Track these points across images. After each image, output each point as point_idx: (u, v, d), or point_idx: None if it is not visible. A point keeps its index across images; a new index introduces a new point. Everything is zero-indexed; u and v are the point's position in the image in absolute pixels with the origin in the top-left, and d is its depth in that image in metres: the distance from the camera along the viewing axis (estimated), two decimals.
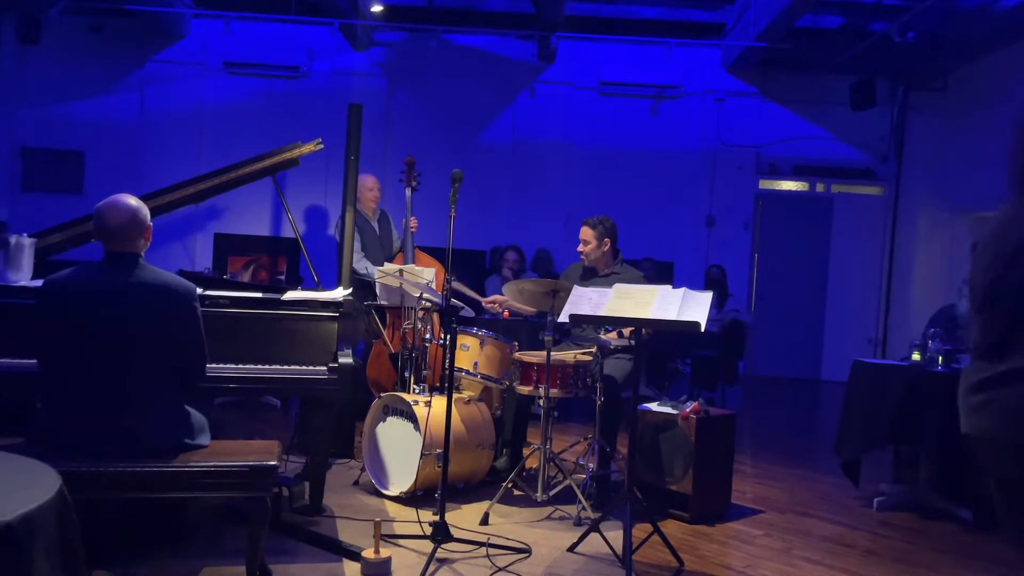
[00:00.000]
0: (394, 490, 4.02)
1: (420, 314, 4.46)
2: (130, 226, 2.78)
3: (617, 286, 3.70)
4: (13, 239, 3.46)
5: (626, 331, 4.20)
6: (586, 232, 4.56)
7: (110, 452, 2.64)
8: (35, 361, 3.06)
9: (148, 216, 2.86)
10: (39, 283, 3.27)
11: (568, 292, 3.87)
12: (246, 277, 8.48)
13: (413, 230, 5.59)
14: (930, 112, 9.65)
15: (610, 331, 4.38)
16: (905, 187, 9.84)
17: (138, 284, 2.73)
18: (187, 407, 2.88)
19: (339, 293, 3.73)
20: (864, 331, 9.90)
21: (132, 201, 2.82)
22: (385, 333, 5.23)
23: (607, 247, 4.56)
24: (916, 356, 4.38)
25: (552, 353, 3.98)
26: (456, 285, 4.38)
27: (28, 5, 8.40)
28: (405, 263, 5.23)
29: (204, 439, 2.88)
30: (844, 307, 9.90)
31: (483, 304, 4.75)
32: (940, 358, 4.27)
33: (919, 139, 9.73)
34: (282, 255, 8.56)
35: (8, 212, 8.77)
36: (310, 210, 8.86)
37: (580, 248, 4.59)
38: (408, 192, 5.61)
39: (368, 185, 5.84)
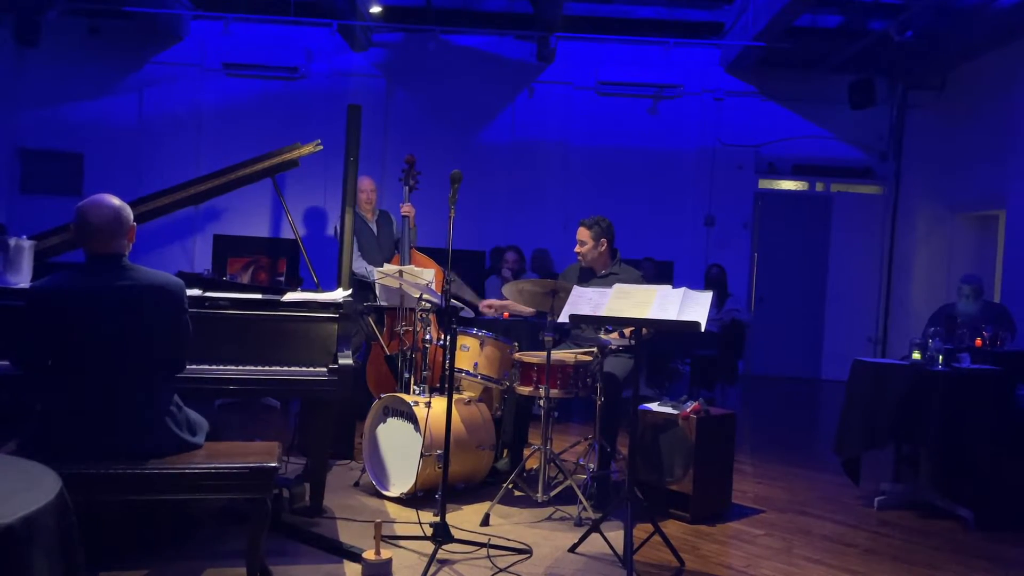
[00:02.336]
0: (394, 491, 4.02)
1: (419, 315, 4.45)
2: (114, 224, 2.75)
3: (617, 286, 3.69)
4: (12, 241, 3.46)
5: (627, 331, 4.19)
6: (583, 233, 4.56)
7: (107, 454, 2.64)
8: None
9: (131, 216, 2.84)
10: None
11: (568, 292, 3.87)
12: (245, 278, 8.48)
13: (406, 215, 5.47)
14: (929, 110, 9.66)
15: (610, 331, 4.38)
16: (904, 186, 9.84)
17: (127, 285, 2.71)
18: (183, 407, 2.88)
19: (339, 294, 3.72)
20: (864, 330, 9.91)
21: (115, 200, 2.79)
22: (383, 335, 5.22)
23: (604, 247, 4.56)
24: (916, 355, 4.37)
25: (552, 353, 3.97)
26: (457, 286, 4.37)
27: (26, 7, 8.39)
28: (402, 264, 5.22)
29: (200, 437, 2.87)
30: (844, 306, 9.90)
31: (480, 307, 4.75)
32: (940, 357, 4.27)
33: (918, 137, 9.74)
34: (282, 256, 8.55)
35: (7, 214, 8.76)
36: (310, 211, 8.87)
37: (577, 249, 4.59)
38: (406, 191, 5.59)
39: (362, 186, 5.74)
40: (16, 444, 2.68)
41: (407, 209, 5.52)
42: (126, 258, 2.80)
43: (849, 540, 3.88)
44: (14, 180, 9.06)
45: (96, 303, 2.68)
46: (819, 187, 10.02)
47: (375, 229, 5.82)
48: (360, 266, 5.64)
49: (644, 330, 3.60)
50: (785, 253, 9.95)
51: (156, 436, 2.74)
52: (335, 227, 5.48)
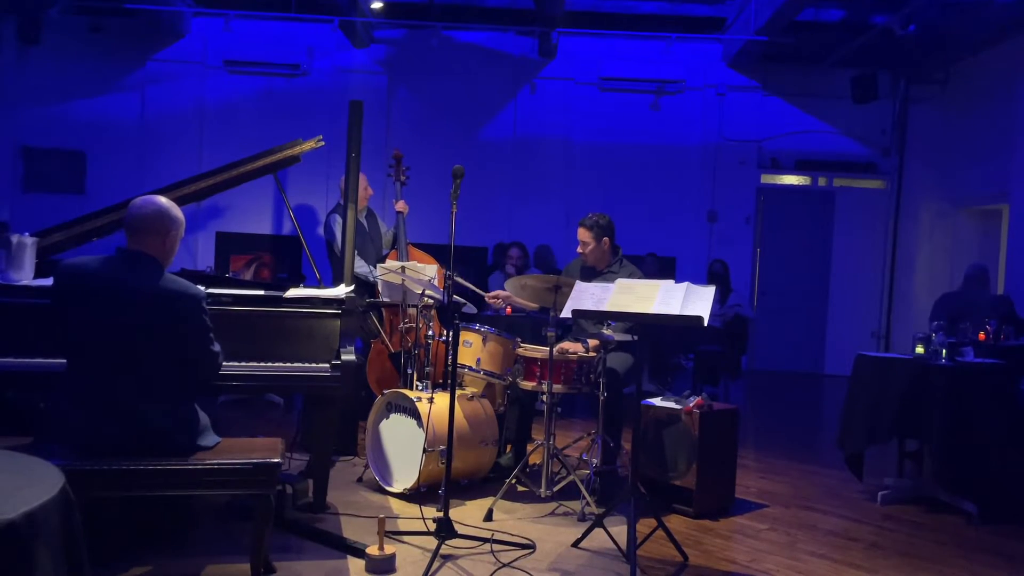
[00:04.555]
0: (398, 487, 4.02)
1: (421, 311, 4.44)
2: (148, 222, 2.75)
3: (620, 281, 3.67)
4: (15, 238, 3.46)
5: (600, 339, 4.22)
6: (583, 233, 4.52)
7: (117, 452, 2.64)
8: (37, 360, 3.06)
9: (177, 223, 2.82)
10: (41, 282, 3.27)
11: (570, 287, 3.86)
12: (248, 275, 8.48)
13: (400, 212, 5.46)
14: (932, 105, 9.64)
15: (611, 325, 4.37)
16: (907, 180, 9.82)
17: (146, 287, 2.69)
18: (201, 416, 2.86)
19: (341, 290, 3.72)
20: (867, 325, 9.90)
21: (164, 202, 2.82)
22: (384, 332, 5.21)
23: (606, 245, 4.54)
24: (920, 349, 4.36)
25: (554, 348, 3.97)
26: (458, 280, 4.36)
27: (28, 5, 8.40)
28: (400, 260, 5.20)
29: (210, 440, 2.87)
30: (847, 301, 9.89)
31: (486, 298, 4.74)
32: (944, 351, 4.25)
33: (921, 132, 9.72)
34: (284, 253, 8.55)
35: (9, 212, 8.78)
36: (311, 208, 8.86)
37: (580, 249, 4.57)
38: (398, 187, 5.57)
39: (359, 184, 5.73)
40: (22, 441, 2.68)
41: (401, 206, 5.51)
42: (157, 262, 2.76)
43: (853, 535, 3.87)
44: (16, 178, 9.07)
45: (111, 296, 2.66)
46: (822, 182, 9.99)
47: (366, 225, 5.80)
48: (360, 265, 5.62)
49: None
50: (788, 248, 9.94)
51: (165, 440, 2.73)
52: (325, 226, 5.47)
